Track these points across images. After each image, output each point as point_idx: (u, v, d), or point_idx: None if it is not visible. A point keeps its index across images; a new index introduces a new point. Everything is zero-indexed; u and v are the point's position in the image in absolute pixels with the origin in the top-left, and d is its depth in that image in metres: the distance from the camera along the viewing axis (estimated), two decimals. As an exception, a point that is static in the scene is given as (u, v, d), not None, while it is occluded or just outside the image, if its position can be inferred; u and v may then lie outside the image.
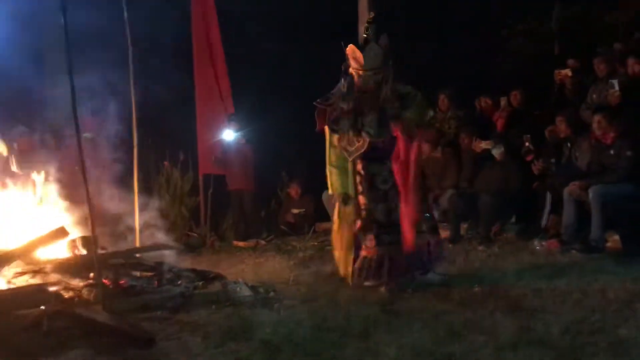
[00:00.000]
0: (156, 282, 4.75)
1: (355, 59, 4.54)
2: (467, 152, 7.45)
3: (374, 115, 4.61)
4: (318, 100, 4.83)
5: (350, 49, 4.55)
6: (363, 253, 4.71)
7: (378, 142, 4.65)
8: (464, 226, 7.13)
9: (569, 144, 6.52)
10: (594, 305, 3.72)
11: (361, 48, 4.56)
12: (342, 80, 4.70)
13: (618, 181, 5.59)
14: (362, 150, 4.65)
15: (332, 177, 4.83)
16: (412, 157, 4.60)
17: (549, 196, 6.55)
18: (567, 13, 10.44)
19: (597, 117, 5.95)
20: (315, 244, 7.68)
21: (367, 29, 4.67)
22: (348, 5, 9.17)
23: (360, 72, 4.58)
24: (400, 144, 4.61)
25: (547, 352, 2.99)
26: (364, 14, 9.56)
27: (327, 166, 4.86)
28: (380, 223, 4.66)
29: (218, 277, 5.19)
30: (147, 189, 7.37)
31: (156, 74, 6.90)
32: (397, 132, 4.62)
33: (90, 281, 4.49)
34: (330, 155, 4.82)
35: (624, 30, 8.44)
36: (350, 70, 4.63)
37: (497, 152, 7.05)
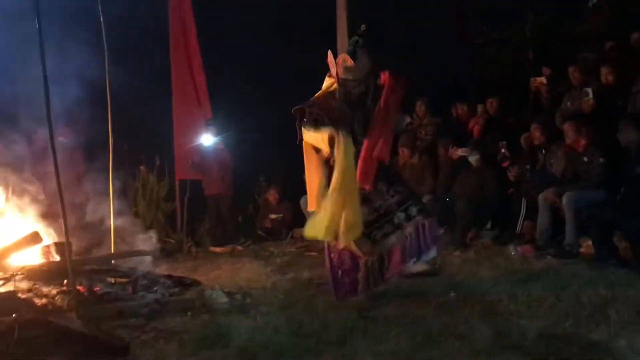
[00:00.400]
0: (131, 288, 4.68)
1: (345, 67, 4.49)
2: (444, 158, 7.52)
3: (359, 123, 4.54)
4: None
5: (342, 57, 4.53)
6: (363, 259, 4.49)
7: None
8: (440, 232, 7.18)
9: (543, 151, 6.62)
10: (567, 310, 3.76)
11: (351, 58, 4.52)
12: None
13: (591, 188, 5.68)
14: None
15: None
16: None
17: (524, 202, 6.64)
18: (540, 21, 10.62)
19: (566, 126, 6.07)
20: (293, 249, 7.68)
21: (357, 41, 4.61)
22: (326, 10, 9.20)
23: (348, 81, 4.53)
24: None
25: (521, 357, 3.02)
26: (342, 20, 9.61)
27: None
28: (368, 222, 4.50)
29: (194, 283, 5.16)
30: (123, 194, 7.28)
31: (132, 80, 6.83)
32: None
33: (64, 288, 4.41)
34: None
35: (594, 40, 8.59)
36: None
37: (473, 159, 7.13)
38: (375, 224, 4.50)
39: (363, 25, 4.64)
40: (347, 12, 9.60)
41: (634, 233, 4.93)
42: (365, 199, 4.49)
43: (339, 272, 4.56)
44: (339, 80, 4.54)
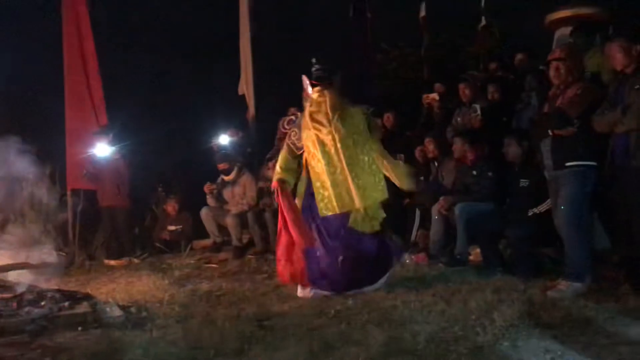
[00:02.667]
0: (15, 304, 4.41)
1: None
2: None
3: None
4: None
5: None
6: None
7: None
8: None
9: (436, 164, 6.93)
10: (457, 314, 3.94)
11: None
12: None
13: (480, 200, 6.00)
14: None
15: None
16: None
17: (418, 213, 6.90)
18: (435, 41, 11.16)
19: (454, 141, 6.41)
20: (192, 261, 7.54)
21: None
22: (229, 20, 9.19)
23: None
24: None
25: (414, 361, 3.14)
26: (245, 29, 9.63)
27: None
28: None
29: (86, 297, 4.92)
30: (8, 205, 6.83)
31: (23, 81, 6.48)
32: None
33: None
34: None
35: (483, 60, 9.16)
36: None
37: (371, 171, 7.32)
38: None
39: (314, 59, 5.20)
40: (250, 21, 9.64)
41: (517, 242, 5.25)
42: None
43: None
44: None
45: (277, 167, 5.21)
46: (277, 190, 5.07)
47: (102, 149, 8.02)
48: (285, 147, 5.26)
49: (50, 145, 8.23)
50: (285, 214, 5.00)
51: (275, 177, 5.17)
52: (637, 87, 4.24)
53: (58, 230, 8.14)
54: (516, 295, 4.32)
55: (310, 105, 5.09)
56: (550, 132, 4.62)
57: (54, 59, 8.27)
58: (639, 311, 3.80)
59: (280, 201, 5.04)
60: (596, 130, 4.46)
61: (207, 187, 8.19)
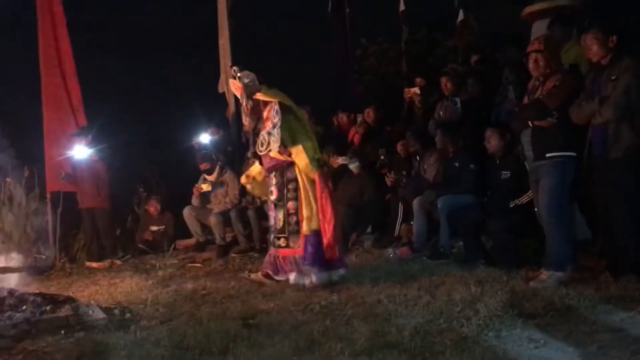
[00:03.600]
0: (-5, 309, 4.34)
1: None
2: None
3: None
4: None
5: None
6: None
7: None
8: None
9: (418, 158, 6.95)
10: (441, 307, 3.95)
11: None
12: None
13: (462, 192, 6.04)
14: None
15: None
16: None
17: (400, 207, 6.93)
18: (413, 36, 11.18)
19: (436, 133, 6.45)
20: (176, 261, 7.50)
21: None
22: (207, 17, 9.13)
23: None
24: None
25: (399, 354, 3.14)
26: (224, 26, 9.57)
27: None
28: None
29: (68, 300, 4.85)
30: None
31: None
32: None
33: None
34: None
35: (462, 54, 9.19)
36: None
37: (353, 167, 7.36)
38: None
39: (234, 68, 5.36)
40: (228, 23, 9.58)
41: (498, 233, 5.29)
42: None
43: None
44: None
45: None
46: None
47: (81, 151, 7.92)
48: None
49: (28, 147, 8.12)
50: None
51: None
52: (613, 78, 4.29)
53: (38, 233, 8.07)
54: (499, 286, 4.35)
55: None
56: (530, 124, 4.66)
57: (30, 60, 8.15)
58: (619, 299, 3.85)
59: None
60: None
61: (196, 189, 8.17)
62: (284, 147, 5.17)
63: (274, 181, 5.35)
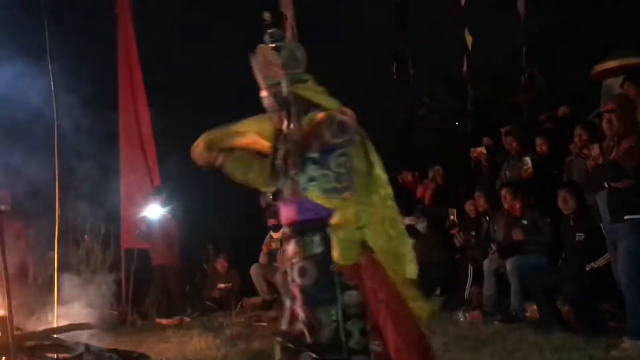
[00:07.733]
0: (74, 365, 4.49)
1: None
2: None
3: None
4: None
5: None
6: None
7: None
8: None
9: (487, 218, 6.84)
10: (517, 375, 3.82)
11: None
12: None
13: (534, 253, 5.88)
14: None
15: None
16: None
17: (470, 268, 6.79)
18: (477, 94, 11.20)
19: (503, 192, 6.35)
20: (243, 320, 7.55)
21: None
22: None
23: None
24: None
25: None
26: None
27: None
28: None
29: (141, 357, 4.98)
30: (66, 264, 7.04)
31: (79, 148, 6.75)
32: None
33: (4, 366, 4.19)
34: None
35: (528, 111, 9.13)
36: None
37: (421, 227, 7.31)
38: None
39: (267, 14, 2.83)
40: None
41: (574, 297, 5.10)
42: None
43: None
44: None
45: None
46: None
47: (155, 210, 8.23)
48: None
49: (105, 206, 8.49)
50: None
51: None
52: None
53: (112, 289, 8.35)
54: (577, 355, 4.17)
55: None
56: (606, 185, 4.54)
57: (108, 120, 8.61)
58: None
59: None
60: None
61: (266, 246, 8.28)
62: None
63: None
